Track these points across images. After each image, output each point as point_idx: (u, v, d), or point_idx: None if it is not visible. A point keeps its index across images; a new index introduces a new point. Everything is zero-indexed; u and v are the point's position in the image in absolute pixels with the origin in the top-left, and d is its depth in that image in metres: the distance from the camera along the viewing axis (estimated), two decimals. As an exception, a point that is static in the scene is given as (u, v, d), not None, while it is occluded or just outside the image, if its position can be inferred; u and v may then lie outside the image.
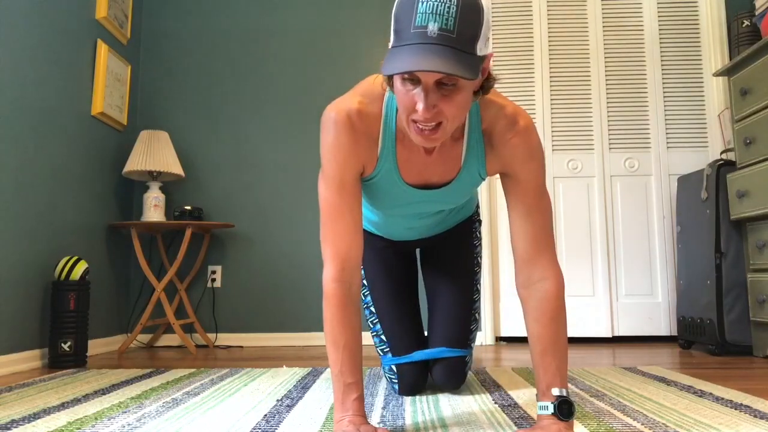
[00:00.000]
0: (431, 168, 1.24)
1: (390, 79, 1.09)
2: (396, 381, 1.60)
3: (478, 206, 1.80)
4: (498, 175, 1.27)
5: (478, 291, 1.72)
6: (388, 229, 1.62)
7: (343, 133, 1.15)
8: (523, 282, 1.20)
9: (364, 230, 1.64)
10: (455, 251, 1.71)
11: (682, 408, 1.38)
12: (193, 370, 2.12)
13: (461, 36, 0.94)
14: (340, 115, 1.15)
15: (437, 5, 0.93)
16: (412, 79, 0.98)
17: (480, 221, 1.80)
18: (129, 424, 1.28)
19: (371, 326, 1.67)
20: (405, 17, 0.95)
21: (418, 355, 1.60)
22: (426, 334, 1.70)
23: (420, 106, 0.97)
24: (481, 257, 1.76)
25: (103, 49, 2.83)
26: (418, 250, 1.83)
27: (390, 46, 0.99)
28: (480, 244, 1.77)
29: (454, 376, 1.60)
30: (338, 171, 1.16)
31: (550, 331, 1.15)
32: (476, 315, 1.69)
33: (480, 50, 0.97)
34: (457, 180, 1.27)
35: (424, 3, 0.93)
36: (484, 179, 1.29)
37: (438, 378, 1.61)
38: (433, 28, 0.92)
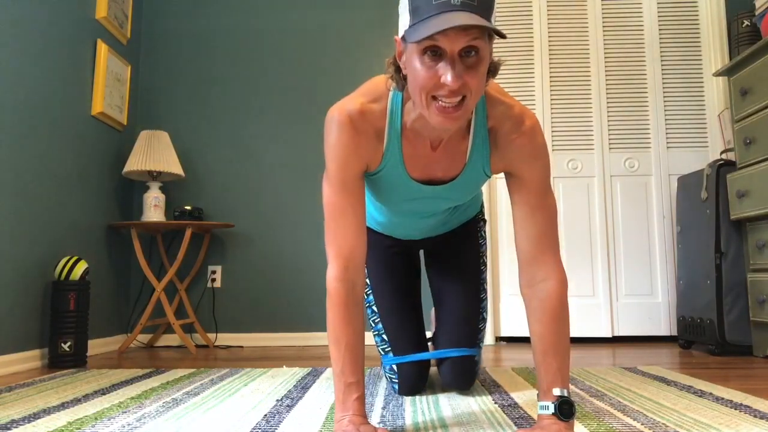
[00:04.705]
0: (436, 163, 1.24)
1: (398, 72, 1.10)
2: (396, 381, 1.60)
3: (482, 205, 1.80)
4: (499, 175, 1.27)
5: (485, 290, 1.71)
6: (393, 229, 1.62)
7: (344, 134, 1.15)
8: (527, 282, 1.20)
9: (369, 229, 1.65)
10: (460, 251, 1.71)
11: (682, 408, 1.38)
12: (193, 370, 2.12)
13: (481, 4, 0.96)
14: (342, 116, 1.16)
15: None
16: (435, 51, 0.98)
17: (485, 220, 1.80)
18: (129, 424, 1.28)
19: (373, 325, 1.67)
20: None
21: (424, 355, 1.60)
22: (431, 333, 1.70)
23: (448, 77, 0.97)
24: (486, 257, 1.76)
25: (103, 49, 2.83)
26: (422, 252, 1.83)
27: (408, 25, 0.99)
28: (485, 244, 1.77)
29: (464, 376, 1.59)
30: (340, 171, 1.16)
31: (552, 331, 1.15)
32: (484, 314, 1.68)
33: (493, 23, 0.99)
34: (462, 176, 1.27)
35: None
36: (489, 177, 1.29)
37: (447, 378, 1.59)
38: None
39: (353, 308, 1.15)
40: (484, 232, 1.78)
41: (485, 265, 1.75)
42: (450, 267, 1.71)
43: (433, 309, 1.84)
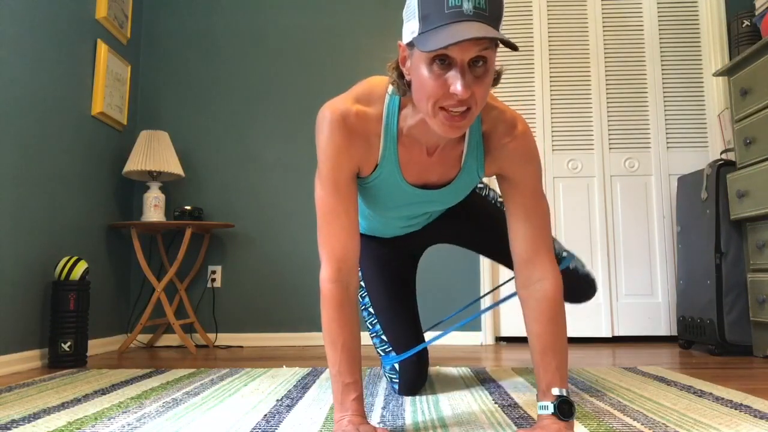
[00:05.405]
0: (431, 169, 1.25)
1: (401, 78, 1.09)
2: (396, 380, 1.60)
3: None
4: (496, 177, 1.27)
5: None
6: (379, 230, 1.61)
7: (336, 133, 1.15)
8: (523, 283, 1.21)
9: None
10: (471, 218, 1.67)
11: (682, 408, 1.38)
12: (193, 370, 2.12)
13: (492, 14, 0.96)
14: (335, 115, 1.15)
15: None
16: (444, 60, 0.97)
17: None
18: (129, 424, 1.28)
19: (370, 327, 1.67)
20: (433, 1, 0.96)
21: (437, 338, 1.61)
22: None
23: (458, 87, 0.96)
24: (497, 196, 1.72)
25: (103, 49, 2.83)
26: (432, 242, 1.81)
27: (418, 33, 0.98)
28: (488, 189, 1.73)
29: (578, 290, 1.62)
30: (332, 171, 1.16)
31: (549, 331, 1.16)
32: None
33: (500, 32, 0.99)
34: (457, 180, 1.27)
35: None
36: (481, 179, 1.29)
37: (570, 298, 1.59)
38: (468, 6, 0.94)
39: (348, 309, 1.14)
40: (479, 185, 1.73)
41: (501, 202, 1.69)
42: (474, 231, 1.68)
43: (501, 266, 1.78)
